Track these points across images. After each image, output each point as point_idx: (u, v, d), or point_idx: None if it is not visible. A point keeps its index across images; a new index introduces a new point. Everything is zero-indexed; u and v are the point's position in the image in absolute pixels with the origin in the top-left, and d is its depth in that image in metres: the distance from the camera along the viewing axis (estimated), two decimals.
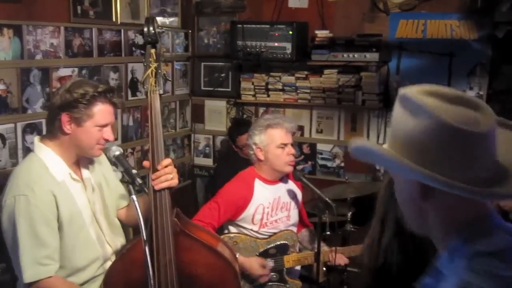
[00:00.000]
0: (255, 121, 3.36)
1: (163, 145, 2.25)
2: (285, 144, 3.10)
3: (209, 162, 5.15)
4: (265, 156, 3.11)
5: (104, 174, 2.46)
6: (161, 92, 2.25)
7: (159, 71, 2.22)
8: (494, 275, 1.05)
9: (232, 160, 4.40)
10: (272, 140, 3.09)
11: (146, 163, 2.22)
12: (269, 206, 3.13)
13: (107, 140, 2.25)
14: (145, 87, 2.23)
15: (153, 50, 2.23)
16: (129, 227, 2.69)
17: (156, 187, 2.16)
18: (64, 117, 2.17)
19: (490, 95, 4.00)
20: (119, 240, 2.48)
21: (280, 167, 3.11)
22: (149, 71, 2.22)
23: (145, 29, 2.19)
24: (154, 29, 2.18)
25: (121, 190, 2.55)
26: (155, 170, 2.19)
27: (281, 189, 3.21)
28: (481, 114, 1.09)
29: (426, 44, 4.17)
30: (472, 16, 4.01)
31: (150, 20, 2.20)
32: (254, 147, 3.14)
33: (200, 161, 5.20)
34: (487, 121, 1.09)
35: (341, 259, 3.15)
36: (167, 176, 2.17)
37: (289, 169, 3.13)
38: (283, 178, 3.23)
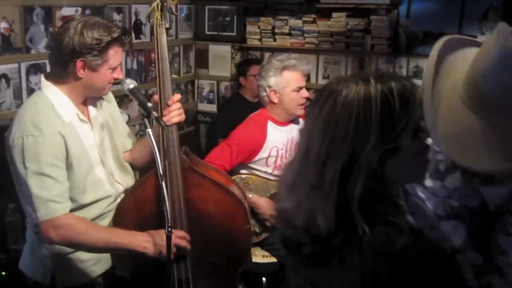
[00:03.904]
0: (267, 61, 3.18)
1: (170, 81, 2.23)
2: (301, 88, 3.03)
3: (213, 108, 5.10)
4: (280, 99, 3.04)
5: (112, 113, 2.41)
6: (168, 26, 2.20)
7: (165, 4, 2.18)
8: None
9: (236, 104, 4.37)
10: (288, 83, 3.01)
11: (156, 98, 2.20)
12: (283, 148, 3.10)
13: (117, 79, 2.21)
14: (150, 20, 2.19)
15: None
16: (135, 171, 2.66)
17: (168, 123, 2.16)
18: (79, 63, 2.08)
19: None
20: (129, 179, 2.45)
21: (293, 110, 3.06)
22: (155, 3, 2.18)
23: None
24: None
25: (127, 132, 2.52)
26: (164, 105, 2.18)
27: (294, 129, 3.16)
28: None
29: None
30: None
31: None
32: (268, 89, 3.05)
33: (204, 107, 5.15)
34: None
35: None
36: (178, 111, 2.18)
37: (301, 112, 3.07)
38: (296, 118, 3.18)
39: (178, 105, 2.19)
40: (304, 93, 3.04)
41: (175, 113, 2.17)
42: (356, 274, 1.15)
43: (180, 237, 2.16)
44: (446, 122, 1.13)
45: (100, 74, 2.12)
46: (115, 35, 2.09)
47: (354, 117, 1.16)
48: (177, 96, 2.21)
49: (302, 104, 3.05)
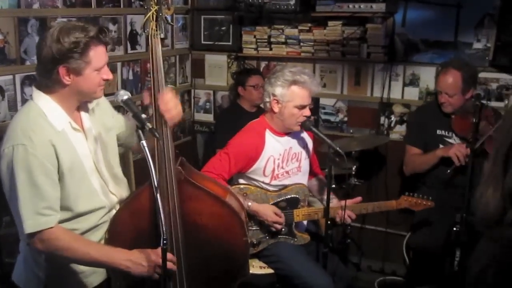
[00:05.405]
0: (280, 68, 3.10)
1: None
2: (304, 106, 3.00)
3: (209, 118, 5.09)
4: (280, 110, 3.01)
5: (105, 123, 2.38)
6: (162, 36, 2.18)
7: (160, 14, 2.16)
8: None
9: (234, 114, 4.35)
10: (292, 98, 2.97)
11: (146, 96, 2.20)
12: (280, 158, 3.08)
13: (106, 80, 2.20)
14: (145, 31, 2.17)
15: None
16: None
17: (170, 120, 2.16)
18: (62, 70, 2.07)
19: (498, 47, 3.89)
20: (124, 190, 2.43)
21: (291, 125, 3.04)
22: (150, 14, 2.15)
23: None
24: None
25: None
26: (159, 115, 2.16)
27: (292, 140, 3.15)
28: None
29: None
30: None
31: None
32: (271, 97, 3.01)
33: (201, 116, 5.13)
34: None
35: (350, 216, 3.09)
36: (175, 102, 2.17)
37: (297, 128, 3.06)
38: (294, 132, 3.16)
39: (173, 98, 2.17)
40: (306, 111, 3.01)
41: (171, 104, 2.15)
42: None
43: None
44: None
45: (85, 77, 2.11)
46: (91, 33, 2.08)
47: None
48: (169, 90, 2.19)
49: (300, 122, 3.02)
